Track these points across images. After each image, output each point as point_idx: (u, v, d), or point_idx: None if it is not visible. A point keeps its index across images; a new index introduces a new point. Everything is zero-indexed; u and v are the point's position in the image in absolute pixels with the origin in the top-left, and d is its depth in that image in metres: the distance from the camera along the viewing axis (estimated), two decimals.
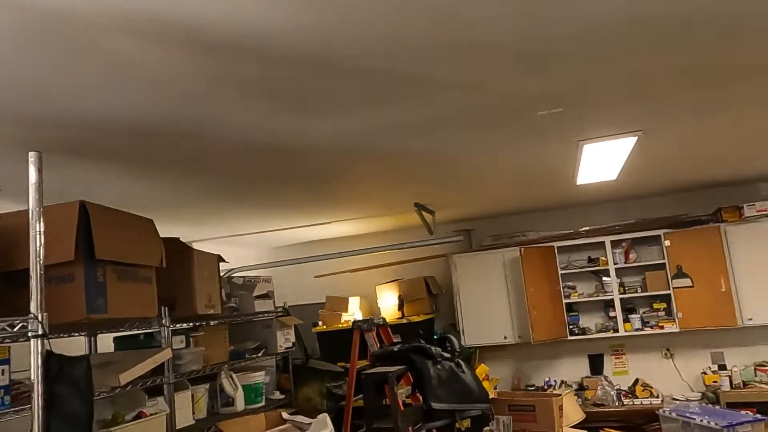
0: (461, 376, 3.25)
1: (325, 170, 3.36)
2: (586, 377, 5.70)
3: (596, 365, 5.76)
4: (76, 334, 2.76)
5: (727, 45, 2.07)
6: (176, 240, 3.00)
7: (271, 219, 4.85)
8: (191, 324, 3.47)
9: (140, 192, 3.40)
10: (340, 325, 5.72)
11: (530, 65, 2.08)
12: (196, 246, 3.31)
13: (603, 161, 3.77)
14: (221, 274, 3.48)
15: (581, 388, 5.58)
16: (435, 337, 5.45)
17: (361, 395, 3.15)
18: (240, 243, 6.18)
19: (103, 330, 2.82)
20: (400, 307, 5.83)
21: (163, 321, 2.86)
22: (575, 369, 5.83)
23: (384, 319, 4.29)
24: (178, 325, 3.36)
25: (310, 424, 3.21)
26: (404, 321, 5.59)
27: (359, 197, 4.31)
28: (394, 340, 4.21)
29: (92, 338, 3.01)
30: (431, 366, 3.18)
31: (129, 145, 2.52)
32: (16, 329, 1.50)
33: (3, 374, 2.04)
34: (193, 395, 3.22)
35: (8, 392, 2.04)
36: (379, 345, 4.01)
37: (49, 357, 1.51)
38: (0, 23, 1.46)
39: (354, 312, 6.05)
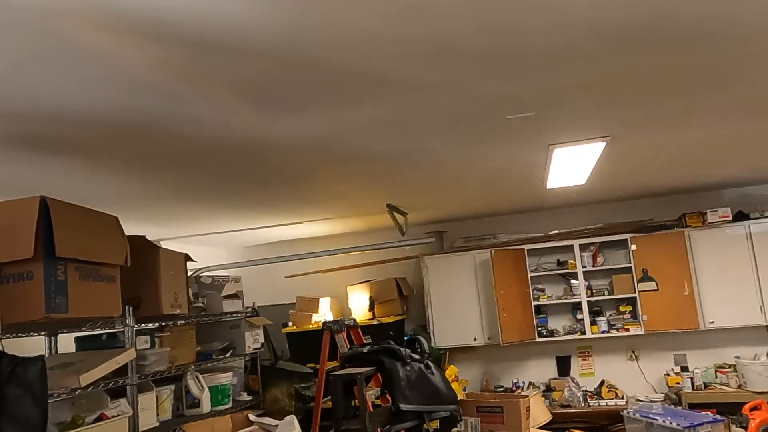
0: (430, 377, 3.25)
1: (296, 169, 3.33)
2: (554, 378, 5.77)
3: (563, 367, 5.84)
4: (35, 334, 2.68)
5: (689, 54, 2.12)
6: (142, 238, 2.93)
7: (242, 218, 4.79)
8: (157, 324, 3.40)
9: (106, 189, 3.32)
10: (311, 326, 5.69)
11: (499, 69, 2.10)
12: (164, 245, 3.25)
13: (572, 166, 3.83)
14: (189, 273, 3.42)
15: (549, 389, 5.66)
16: (405, 338, 5.46)
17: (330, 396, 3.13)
18: (210, 242, 6.10)
19: (64, 330, 2.74)
20: (371, 308, 5.82)
21: (127, 321, 2.80)
22: (543, 370, 5.91)
23: (354, 320, 4.27)
24: (142, 325, 3.29)
25: (277, 425, 3.18)
26: (375, 322, 5.58)
27: (331, 197, 4.29)
28: (365, 341, 4.20)
29: (53, 338, 2.92)
30: (400, 367, 3.17)
31: (93, 139, 2.46)
32: None
33: None
34: (157, 397, 3.16)
35: None
36: (349, 346, 4.00)
37: (0, 358, 1.45)
38: None
39: (324, 313, 6.01)
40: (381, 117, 2.52)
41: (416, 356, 3.30)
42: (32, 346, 2.66)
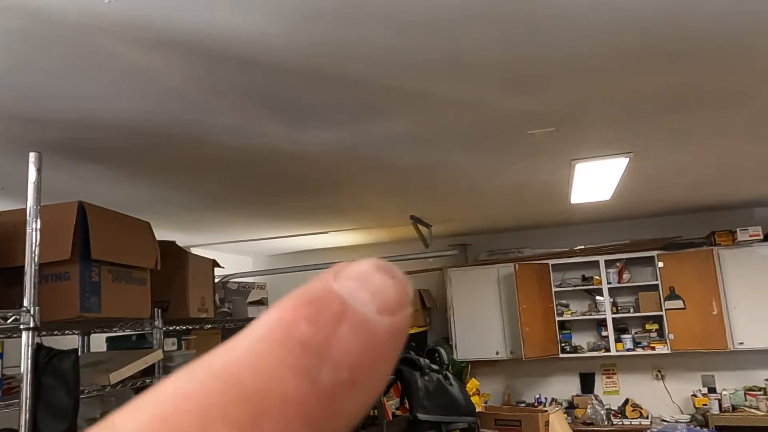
0: (448, 388, 3.28)
1: (321, 180, 3.42)
2: (577, 395, 5.71)
3: (587, 384, 5.78)
4: (70, 332, 2.80)
5: (711, 70, 2.13)
6: (172, 243, 3.04)
7: (268, 226, 4.90)
8: (184, 327, 3.50)
9: (139, 195, 3.45)
10: None
11: (522, 86, 2.15)
12: (193, 251, 3.36)
13: (596, 181, 3.83)
14: (217, 279, 3.53)
15: (571, 406, 5.60)
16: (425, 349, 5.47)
17: None
18: (237, 250, 6.23)
19: (96, 329, 2.86)
20: None
21: (156, 323, 2.90)
22: (566, 387, 5.85)
23: None
24: (170, 328, 3.39)
25: None
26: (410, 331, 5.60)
27: (355, 208, 4.36)
28: None
29: (86, 337, 3.04)
30: (419, 377, 3.21)
31: (128, 148, 2.59)
32: (9, 321, 1.55)
33: None
34: None
35: (0, 386, 2.08)
36: None
37: (38, 349, 1.56)
38: (1, 29, 1.52)
39: None
40: (403, 130, 2.59)
41: (435, 366, 3.34)
42: (67, 344, 2.78)
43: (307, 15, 1.57)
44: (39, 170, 1.61)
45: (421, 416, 3.05)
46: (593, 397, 5.54)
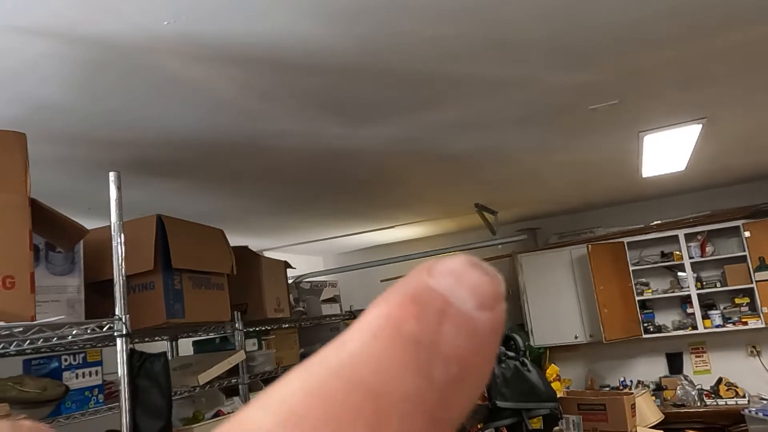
0: (526, 374, 3.24)
1: (382, 175, 3.45)
2: (665, 377, 5.48)
3: (675, 364, 5.53)
4: (159, 338, 2.98)
5: None
6: (245, 248, 3.17)
7: (335, 225, 5.00)
8: (262, 328, 3.64)
9: (209, 204, 3.62)
10: None
11: (572, 60, 2.09)
12: (265, 254, 3.48)
13: (668, 152, 3.65)
14: (290, 280, 3.64)
15: (659, 388, 5.38)
16: None
17: None
18: (307, 250, 6.39)
19: (182, 334, 3.03)
20: None
21: (236, 325, 3.03)
22: (652, 368, 5.62)
23: None
24: (249, 329, 3.54)
25: None
26: None
27: (419, 200, 4.38)
28: None
29: (173, 342, 3.23)
30: (495, 365, 3.19)
31: (196, 161, 2.72)
32: (104, 330, 1.68)
33: (96, 374, 2.26)
34: None
35: (102, 391, 2.25)
36: None
37: (132, 354, 1.68)
38: (74, 58, 1.64)
39: None
40: (458, 117, 2.58)
41: (511, 354, 3.30)
42: (158, 350, 2.96)
43: (354, 15, 1.59)
44: (119, 188, 1.73)
45: (500, 404, 3.03)
46: (682, 378, 5.30)
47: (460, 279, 0.19)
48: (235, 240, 3.10)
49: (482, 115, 2.58)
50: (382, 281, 6.56)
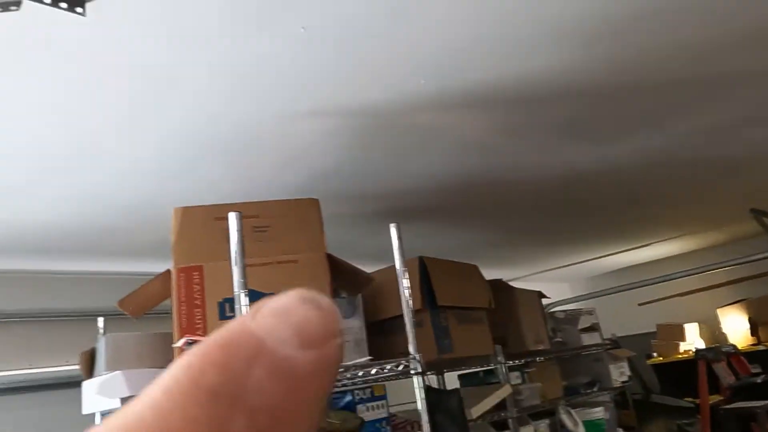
0: None
1: (632, 192, 3.22)
2: None
3: None
4: (429, 373, 3.15)
5: None
6: (499, 281, 3.21)
7: (581, 249, 4.78)
8: (522, 360, 3.60)
9: (459, 241, 3.76)
10: (679, 356, 5.17)
11: None
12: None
13: None
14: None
15: None
16: None
17: None
18: (552, 278, 6.20)
19: (449, 369, 3.15)
20: (753, 331, 5.00)
21: (499, 358, 3.06)
22: None
23: (734, 346, 3.76)
24: (511, 362, 3.53)
25: None
26: (761, 347, 4.76)
27: (675, 213, 3.95)
28: (752, 371, 3.63)
29: (440, 376, 3.38)
30: None
31: (449, 203, 2.87)
32: (400, 368, 1.84)
33: (382, 407, 2.48)
34: (535, 430, 3.31)
35: (389, 422, 2.45)
36: (734, 376, 3.52)
37: (427, 391, 1.80)
38: (349, 129, 1.88)
39: (693, 340, 5.41)
40: (710, 120, 2.29)
41: None
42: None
43: (588, 41, 1.55)
44: (399, 238, 1.92)
45: None
46: None
47: (284, 317, 0.17)
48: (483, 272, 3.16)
49: (749, 109, 2.25)
50: (639, 305, 6.01)
